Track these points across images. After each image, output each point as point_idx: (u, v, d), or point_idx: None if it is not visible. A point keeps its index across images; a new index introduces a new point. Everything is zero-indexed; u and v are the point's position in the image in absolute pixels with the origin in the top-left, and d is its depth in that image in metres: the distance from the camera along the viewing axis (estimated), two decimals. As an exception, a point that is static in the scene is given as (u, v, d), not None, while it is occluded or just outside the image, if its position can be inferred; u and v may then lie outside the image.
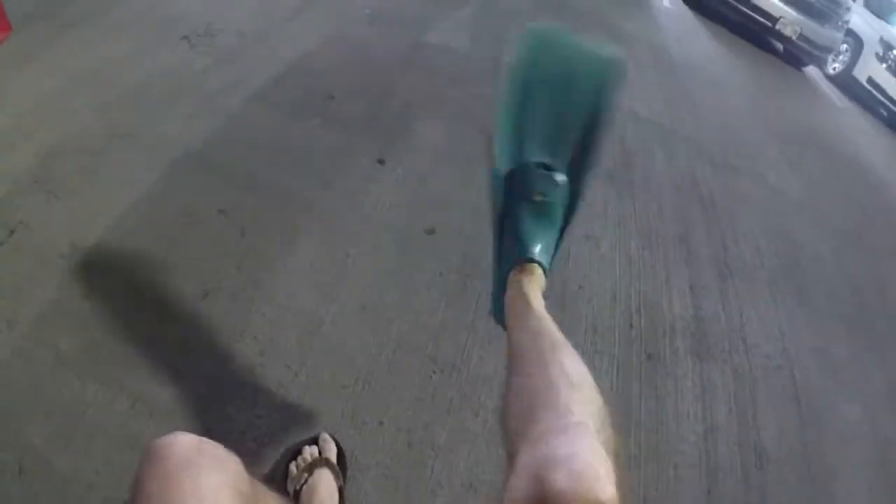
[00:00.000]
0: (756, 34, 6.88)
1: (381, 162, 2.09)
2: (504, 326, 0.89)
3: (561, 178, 0.97)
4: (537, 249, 0.93)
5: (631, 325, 1.84)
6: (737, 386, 1.78)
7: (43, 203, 1.57)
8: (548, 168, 0.98)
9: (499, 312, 0.96)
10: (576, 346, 0.85)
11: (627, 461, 1.53)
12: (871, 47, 7.20)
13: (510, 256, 0.96)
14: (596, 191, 2.28)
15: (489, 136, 1.02)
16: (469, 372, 1.53)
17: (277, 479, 1.19)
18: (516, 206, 0.97)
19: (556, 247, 0.98)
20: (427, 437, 1.36)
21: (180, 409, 1.24)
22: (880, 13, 7.55)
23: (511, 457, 0.59)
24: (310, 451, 1.21)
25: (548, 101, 1.04)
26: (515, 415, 0.65)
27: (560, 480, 0.51)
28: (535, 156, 1.00)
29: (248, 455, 1.16)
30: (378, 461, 1.28)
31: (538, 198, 0.95)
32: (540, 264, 0.92)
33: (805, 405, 1.80)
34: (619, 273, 2.00)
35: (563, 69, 1.06)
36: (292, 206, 1.81)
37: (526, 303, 0.86)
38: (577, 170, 1.00)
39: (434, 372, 1.51)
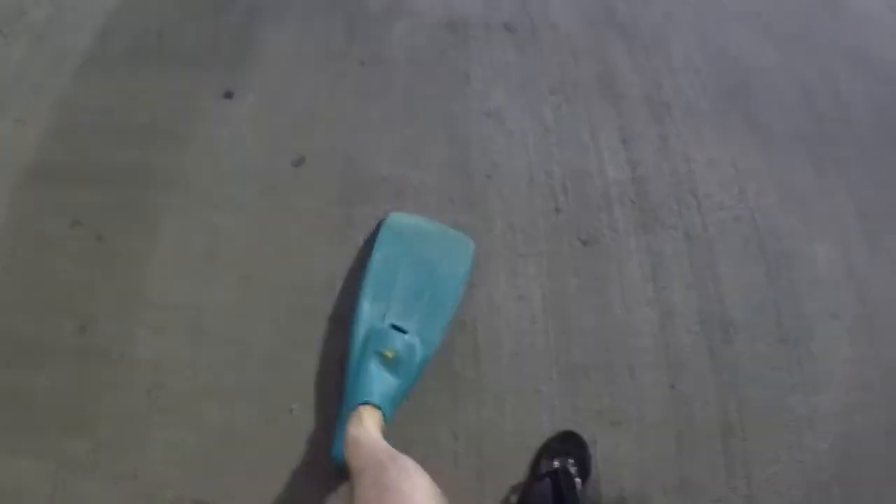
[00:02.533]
0: None
1: (228, 95, 1.64)
2: (342, 467, 0.94)
3: (412, 340, 1.18)
4: (380, 396, 1.08)
5: (557, 209, 1.51)
6: (692, 252, 1.49)
7: None
8: (402, 331, 1.19)
9: (338, 452, 1.01)
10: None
11: (573, 373, 1.28)
12: None
13: (355, 400, 1.08)
14: (492, 48, 1.82)
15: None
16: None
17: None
18: (370, 358, 1.14)
19: (398, 401, 1.13)
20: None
21: (100, 458, 1.14)
22: None
23: None
24: None
25: (409, 276, 1.29)
26: None
27: None
28: (393, 319, 1.21)
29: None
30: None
31: (389, 354, 1.14)
32: (380, 409, 1.06)
33: (771, 255, 1.52)
34: (534, 146, 1.62)
35: (423, 251, 1.34)
36: (145, 185, 1.48)
37: (365, 434, 0.96)
38: (429, 336, 1.22)
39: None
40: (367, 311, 1.23)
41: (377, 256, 1.31)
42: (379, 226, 1.40)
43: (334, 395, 1.20)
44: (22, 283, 1.35)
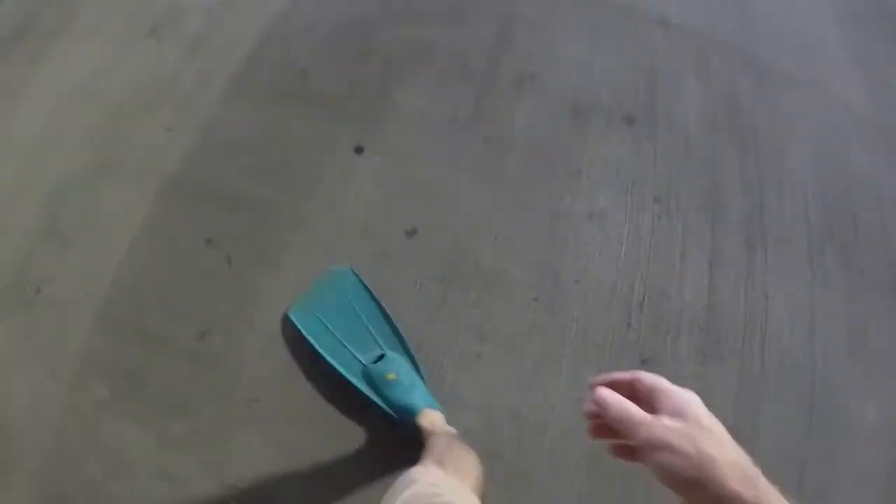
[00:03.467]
0: None
1: (358, 150, 1.88)
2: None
3: (391, 355, 1.52)
4: (416, 402, 1.43)
5: (629, 325, 1.69)
6: (741, 389, 1.64)
7: (56, 256, 1.71)
8: (381, 356, 1.52)
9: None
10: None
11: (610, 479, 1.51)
12: None
13: (407, 419, 1.41)
14: (609, 142, 1.94)
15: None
16: (445, 392, 1.55)
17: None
18: (385, 392, 1.46)
19: (426, 390, 1.48)
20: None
21: (193, 441, 1.48)
22: None
23: None
24: None
25: (341, 325, 1.59)
26: None
27: None
28: (367, 355, 1.54)
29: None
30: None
31: (392, 376, 1.45)
32: (426, 408, 1.41)
33: (818, 410, 1.64)
34: (625, 257, 1.78)
35: (330, 304, 1.62)
36: (274, 221, 1.77)
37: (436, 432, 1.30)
38: (393, 342, 1.57)
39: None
40: (350, 368, 1.52)
41: (314, 340, 1.55)
42: (292, 323, 1.60)
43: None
44: (154, 281, 1.67)
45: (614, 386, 0.57)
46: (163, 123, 1.92)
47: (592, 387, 0.58)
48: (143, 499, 1.43)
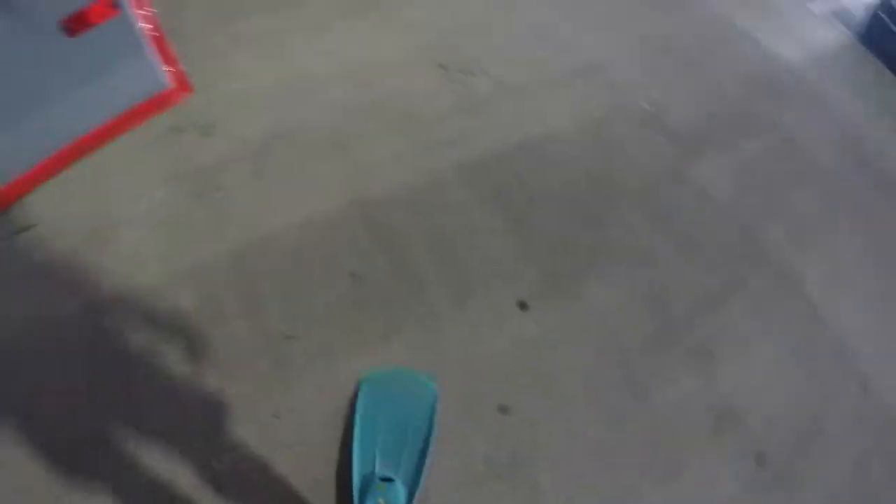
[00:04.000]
0: None
1: (523, 306, 1.85)
2: None
3: (399, 487, 1.42)
4: None
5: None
6: None
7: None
8: (390, 479, 1.43)
9: None
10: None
11: None
12: None
13: None
14: None
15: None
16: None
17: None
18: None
19: None
20: None
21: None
22: None
23: None
24: None
25: (388, 428, 1.56)
26: None
27: None
28: (382, 468, 1.51)
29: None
30: None
31: (382, 502, 1.39)
32: None
33: None
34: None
35: (396, 403, 1.61)
36: (413, 298, 1.81)
37: None
38: (413, 476, 1.52)
39: None
40: (359, 465, 1.52)
41: (359, 416, 1.58)
42: (357, 387, 1.64)
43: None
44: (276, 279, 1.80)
45: None
46: (396, 147, 2.11)
47: None
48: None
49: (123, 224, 1.88)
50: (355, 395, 1.64)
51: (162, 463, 1.51)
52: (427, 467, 1.55)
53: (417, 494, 1.51)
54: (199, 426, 1.58)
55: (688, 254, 1.90)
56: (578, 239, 1.92)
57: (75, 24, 1.66)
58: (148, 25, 1.94)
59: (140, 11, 1.88)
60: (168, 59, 2.09)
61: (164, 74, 2.07)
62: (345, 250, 1.88)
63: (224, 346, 1.70)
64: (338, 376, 1.66)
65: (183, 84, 2.15)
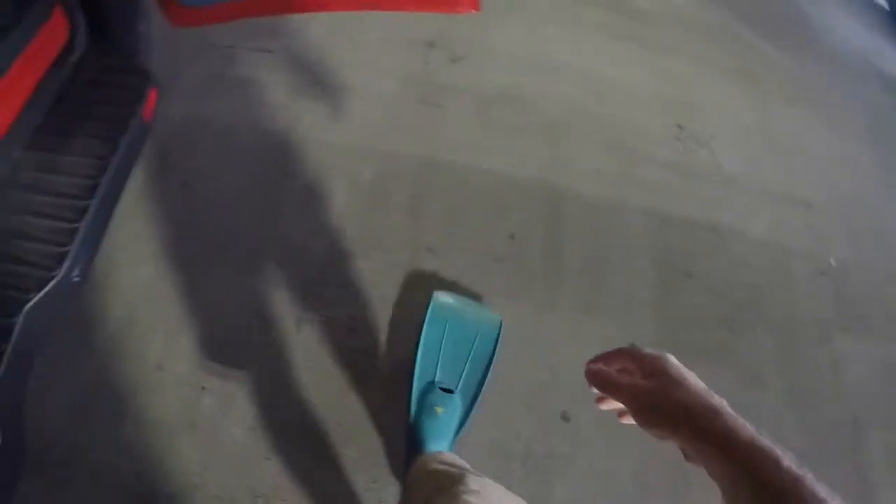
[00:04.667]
0: None
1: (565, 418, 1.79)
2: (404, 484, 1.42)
3: (455, 398, 1.57)
4: (434, 446, 1.46)
5: None
6: None
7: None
8: (449, 391, 1.58)
9: (405, 472, 1.45)
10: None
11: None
12: None
13: (415, 450, 1.47)
14: None
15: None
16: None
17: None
18: (423, 414, 1.54)
19: (453, 441, 1.52)
20: None
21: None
22: None
23: None
24: None
25: (452, 344, 1.68)
26: None
27: None
28: (442, 378, 1.62)
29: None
30: None
31: (439, 410, 1.53)
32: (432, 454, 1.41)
33: None
34: None
35: (463, 323, 1.73)
36: (547, 285, 1.94)
37: (423, 471, 1.26)
38: (470, 391, 1.62)
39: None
40: (421, 373, 1.62)
41: (427, 330, 1.69)
42: (427, 304, 1.75)
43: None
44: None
45: (608, 362, 0.68)
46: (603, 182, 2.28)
47: (587, 367, 0.69)
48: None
49: (346, 88, 2.18)
50: (426, 309, 1.74)
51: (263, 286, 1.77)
52: (484, 391, 1.64)
53: (472, 414, 1.59)
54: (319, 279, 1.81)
55: (792, 404, 1.90)
56: (707, 330, 1.96)
57: None
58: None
59: None
60: None
61: None
62: (514, 214, 2.03)
63: (374, 228, 1.92)
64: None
65: (472, 1, 2.29)
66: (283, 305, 1.77)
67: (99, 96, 1.74)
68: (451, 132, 2.19)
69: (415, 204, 2.00)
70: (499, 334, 1.74)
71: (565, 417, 1.72)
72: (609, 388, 0.65)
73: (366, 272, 1.84)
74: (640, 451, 1.68)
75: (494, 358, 1.70)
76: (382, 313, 1.79)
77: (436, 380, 1.62)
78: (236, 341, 1.74)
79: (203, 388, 1.68)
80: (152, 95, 1.74)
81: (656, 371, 0.61)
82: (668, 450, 0.62)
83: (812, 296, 2.13)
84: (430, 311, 1.73)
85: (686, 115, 2.51)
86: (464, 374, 1.65)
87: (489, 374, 1.67)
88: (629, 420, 0.65)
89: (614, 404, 0.69)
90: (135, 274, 1.82)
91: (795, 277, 2.16)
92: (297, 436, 1.62)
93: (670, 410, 0.57)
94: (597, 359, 0.70)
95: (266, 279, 1.82)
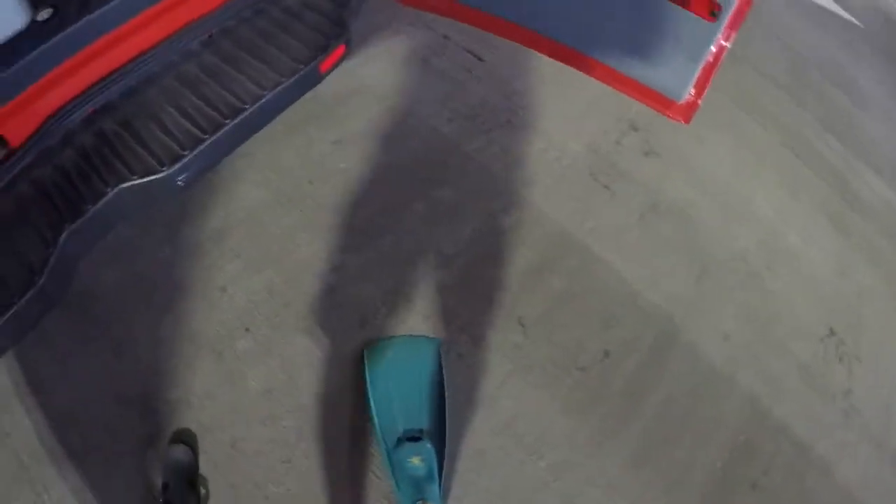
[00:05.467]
0: None
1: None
2: None
3: (425, 444, 1.55)
4: (426, 493, 1.48)
5: None
6: None
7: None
8: (417, 438, 1.56)
9: None
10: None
11: None
12: None
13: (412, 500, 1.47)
14: None
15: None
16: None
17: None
18: (403, 470, 1.52)
19: (440, 486, 1.52)
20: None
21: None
22: None
23: None
24: None
25: (401, 388, 1.64)
26: None
27: None
28: (407, 428, 1.58)
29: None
30: None
31: (416, 461, 1.52)
32: (430, 502, 1.46)
33: None
34: None
35: (405, 363, 1.70)
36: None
37: None
38: (439, 427, 1.62)
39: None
40: (383, 431, 1.58)
41: (372, 388, 1.64)
42: (362, 360, 1.71)
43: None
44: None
45: None
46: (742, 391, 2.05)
47: None
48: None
49: (530, 129, 2.24)
50: (362, 367, 1.70)
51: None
52: (448, 418, 1.64)
53: (447, 449, 1.60)
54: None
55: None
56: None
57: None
58: (721, 45, 1.99)
59: (727, 31, 1.90)
60: (699, 85, 2.18)
61: (686, 93, 2.17)
62: (620, 332, 1.94)
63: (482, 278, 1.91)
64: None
65: (684, 111, 2.23)
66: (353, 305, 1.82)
67: (292, 27, 1.80)
68: (604, 217, 2.12)
69: (531, 269, 1.96)
70: (440, 359, 1.73)
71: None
72: None
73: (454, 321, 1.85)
74: None
75: (446, 384, 1.69)
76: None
77: (401, 432, 1.59)
78: (298, 306, 1.82)
79: (247, 329, 1.77)
80: (338, 51, 1.78)
81: None
82: None
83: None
84: (366, 368, 1.69)
85: (845, 324, 2.25)
86: (425, 415, 1.63)
87: (447, 405, 1.66)
88: None
89: None
90: (243, 198, 1.94)
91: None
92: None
93: None
94: None
95: (350, 267, 1.88)
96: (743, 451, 1.90)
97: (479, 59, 2.38)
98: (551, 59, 2.31)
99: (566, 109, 2.31)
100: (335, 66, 1.80)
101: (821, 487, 1.93)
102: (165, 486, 1.49)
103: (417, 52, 2.33)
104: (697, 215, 2.23)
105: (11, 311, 1.30)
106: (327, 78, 1.82)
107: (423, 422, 1.63)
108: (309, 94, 1.87)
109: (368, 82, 2.22)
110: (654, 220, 2.17)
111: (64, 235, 1.41)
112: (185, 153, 1.53)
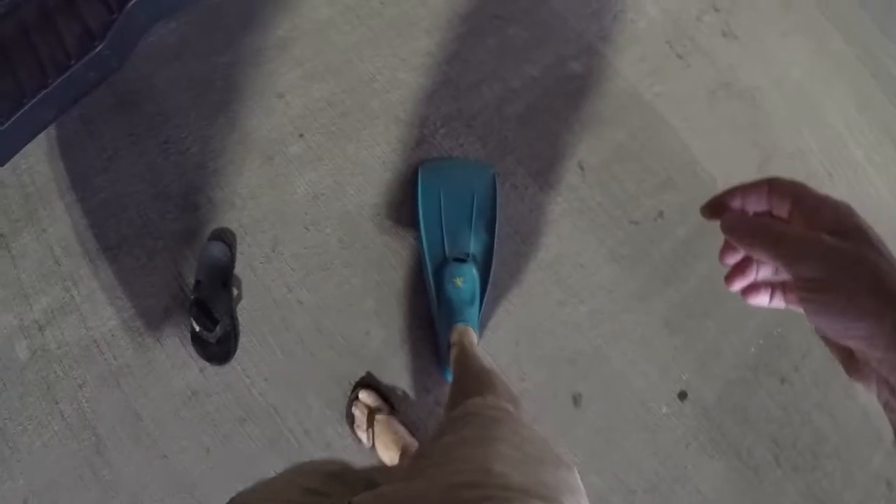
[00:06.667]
0: None
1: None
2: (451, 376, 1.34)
3: (470, 267, 1.52)
4: (465, 316, 1.45)
5: None
6: None
7: None
8: (462, 260, 1.53)
9: (446, 365, 1.44)
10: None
11: None
12: None
13: (447, 324, 1.45)
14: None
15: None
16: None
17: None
18: (445, 290, 1.49)
19: (479, 312, 1.51)
20: None
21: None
22: None
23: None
24: (363, 402, 1.45)
25: (452, 210, 1.61)
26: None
27: None
28: (452, 250, 1.55)
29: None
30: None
31: (459, 282, 1.49)
32: (468, 325, 1.43)
33: None
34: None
35: (458, 185, 1.65)
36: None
37: (464, 352, 1.27)
38: (485, 254, 1.59)
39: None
40: (432, 249, 1.56)
41: (423, 204, 1.61)
42: (416, 175, 1.66)
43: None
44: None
45: (751, 198, 0.44)
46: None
47: (712, 209, 0.45)
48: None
49: None
50: (415, 181, 1.66)
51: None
52: (496, 246, 1.62)
53: (491, 278, 1.58)
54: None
55: None
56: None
57: None
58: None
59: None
60: None
61: None
62: (673, 195, 1.85)
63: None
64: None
65: None
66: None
67: None
68: (674, 85, 2.02)
69: (596, 118, 1.88)
70: (496, 187, 1.67)
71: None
72: (771, 239, 0.39)
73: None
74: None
75: (498, 213, 1.64)
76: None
77: (446, 253, 1.55)
78: (356, 117, 1.75)
79: (301, 135, 1.70)
80: None
81: (849, 227, 0.38)
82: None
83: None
84: (420, 183, 1.64)
85: (893, 246, 2.19)
86: (472, 239, 1.59)
87: (496, 233, 1.62)
88: (778, 302, 0.46)
89: (749, 278, 0.46)
90: (311, 11, 1.86)
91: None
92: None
93: (877, 286, 0.35)
94: (732, 192, 0.45)
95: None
96: (777, 342, 1.85)
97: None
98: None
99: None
100: None
101: (841, 401, 1.89)
102: (198, 283, 1.47)
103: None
104: (767, 105, 2.13)
105: (67, 74, 1.24)
106: None
107: (469, 245, 1.58)
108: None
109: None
110: (723, 98, 2.07)
111: (132, 3, 1.32)
112: None
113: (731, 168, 1.95)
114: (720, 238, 0.47)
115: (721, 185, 0.47)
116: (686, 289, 1.79)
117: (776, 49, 2.24)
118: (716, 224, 0.46)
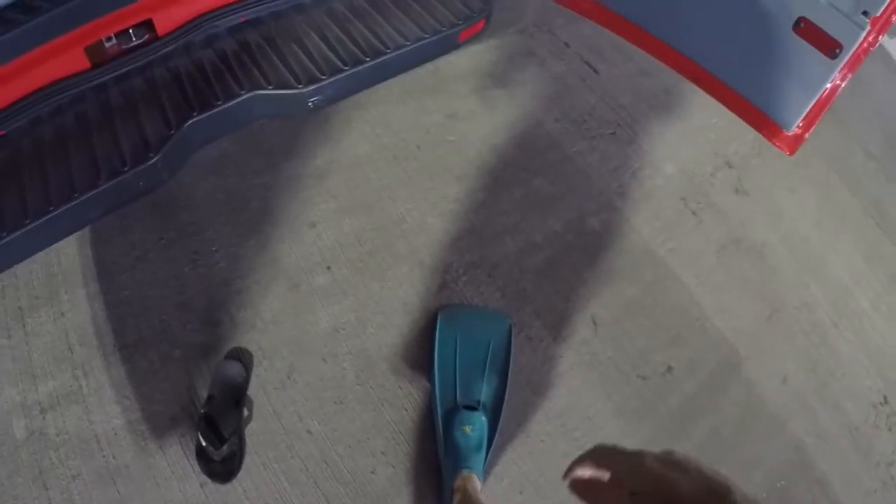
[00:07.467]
0: None
1: None
2: None
3: (480, 416, 1.55)
4: (471, 462, 1.47)
5: None
6: None
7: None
8: (472, 408, 1.56)
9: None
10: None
11: None
12: None
13: (453, 469, 1.47)
14: None
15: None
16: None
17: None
18: (453, 436, 1.52)
19: (485, 459, 1.52)
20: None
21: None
22: None
23: None
24: None
25: (467, 357, 1.66)
26: None
27: None
28: (463, 398, 1.60)
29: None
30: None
31: (467, 429, 1.52)
32: (473, 472, 1.45)
33: None
34: None
35: (475, 334, 1.72)
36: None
37: (467, 499, 1.33)
38: (494, 403, 1.62)
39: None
40: (441, 395, 1.61)
41: (439, 350, 1.67)
42: (435, 321, 1.74)
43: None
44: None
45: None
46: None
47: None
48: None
49: (629, 143, 2.23)
50: (434, 328, 1.73)
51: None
52: (507, 398, 1.65)
53: (499, 427, 1.61)
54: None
55: None
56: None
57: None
58: (836, 85, 1.69)
59: (843, 72, 1.63)
60: (809, 120, 1.80)
61: (796, 125, 1.83)
62: (684, 352, 1.93)
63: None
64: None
65: (790, 142, 1.91)
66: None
67: (442, -10, 1.83)
68: (686, 241, 2.14)
69: (610, 273, 1.99)
70: (510, 338, 1.75)
71: None
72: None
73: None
74: None
75: (511, 364, 1.71)
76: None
77: (458, 400, 1.61)
78: (382, 257, 1.84)
79: (328, 267, 1.81)
80: (479, 25, 1.83)
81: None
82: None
83: None
84: (438, 329, 1.72)
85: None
86: (483, 387, 1.64)
87: (508, 383, 1.67)
88: None
89: None
90: (350, 146, 2.01)
91: None
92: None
93: None
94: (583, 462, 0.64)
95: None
96: (781, 496, 1.88)
97: (595, 71, 2.42)
98: (663, 85, 2.35)
99: (668, 134, 2.34)
100: (471, 38, 1.84)
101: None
102: (210, 398, 1.51)
103: (537, 52, 2.39)
104: (774, 259, 2.23)
105: (119, 178, 1.34)
106: (449, 55, 1.89)
107: (481, 393, 1.65)
108: (430, 66, 1.92)
109: (487, 67, 2.27)
110: (733, 253, 2.17)
111: (189, 123, 1.45)
112: (323, 77, 1.58)
113: (738, 323, 2.04)
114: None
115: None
116: (691, 444, 1.84)
117: (785, 204, 2.37)
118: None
